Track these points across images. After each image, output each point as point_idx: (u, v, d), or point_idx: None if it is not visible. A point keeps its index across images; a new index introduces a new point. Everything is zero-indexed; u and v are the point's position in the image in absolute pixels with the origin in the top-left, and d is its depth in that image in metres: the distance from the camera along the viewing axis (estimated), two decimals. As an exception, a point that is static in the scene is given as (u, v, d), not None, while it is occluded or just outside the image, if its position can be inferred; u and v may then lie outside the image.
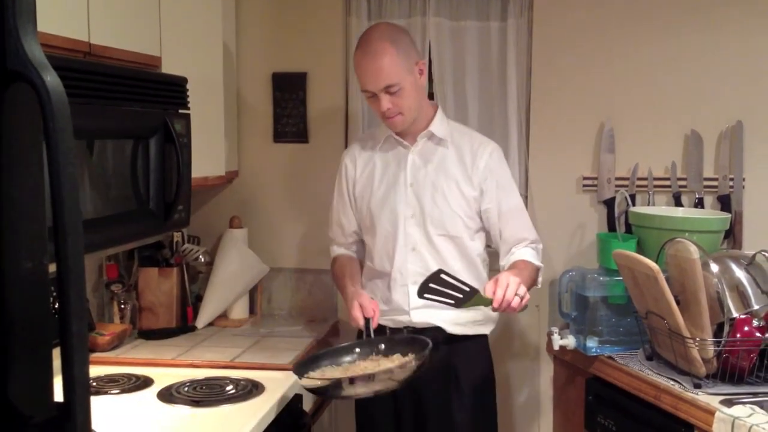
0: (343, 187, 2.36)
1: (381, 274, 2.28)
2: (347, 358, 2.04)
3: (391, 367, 1.87)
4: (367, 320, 2.09)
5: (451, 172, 2.21)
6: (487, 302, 1.94)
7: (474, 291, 1.95)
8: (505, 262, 2.25)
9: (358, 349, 2.06)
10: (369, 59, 2.09)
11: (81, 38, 1.81)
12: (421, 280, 2.19)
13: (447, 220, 2.19)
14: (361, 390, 1.84)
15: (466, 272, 2.21)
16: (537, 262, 2.23)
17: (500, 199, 2.23)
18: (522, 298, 1.95)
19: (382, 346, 2.04)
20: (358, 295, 2.16)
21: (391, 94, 2.10)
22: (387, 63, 2.07)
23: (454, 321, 2.21)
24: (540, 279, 2.26)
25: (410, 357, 1.90)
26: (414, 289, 2.20)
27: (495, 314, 2.32)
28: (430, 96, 2.85)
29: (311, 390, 1.93)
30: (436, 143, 2.24)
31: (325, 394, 1.99)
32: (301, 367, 1.96)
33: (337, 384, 1.83)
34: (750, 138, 2.71)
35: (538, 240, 2.29)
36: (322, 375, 1.94)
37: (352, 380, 1.82)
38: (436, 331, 2.18)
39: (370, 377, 1.83)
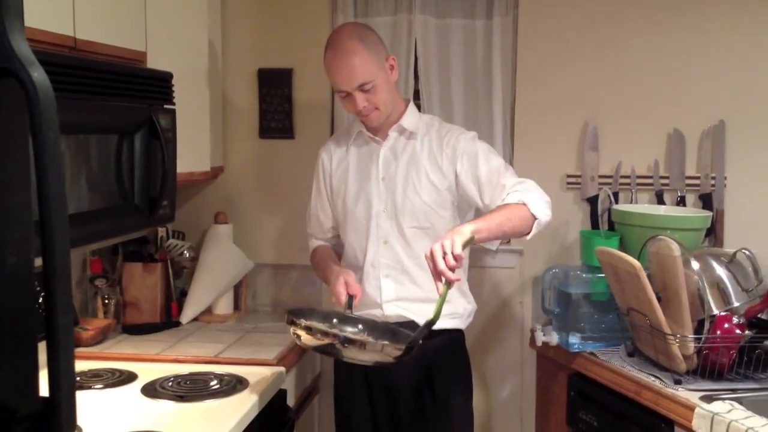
0: (320, 182, 2.36)
1: (354, 268, 2.27)
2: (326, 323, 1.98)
3: (377, 343, 1.84)
4: (350, 298, 2.07)
5: (422, 164, 2.20)
6: (441, 297, 1.81)
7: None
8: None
9: (335, 320, 2.00)
10: (341, 59, 2.09)
11: (66, 33, 1.81)
12: (392, 273, 2.20)
13: (419, 212, 2.19)
14: (351, 353, 1.79)
15: None
16: (518, 200, 2.03)
17: (474, 168, 2.15)
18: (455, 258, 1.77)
19: (360, 326, 2.00)
20: (345, 272, 2.14)
21: (365, 92, 2.10)
22: (359, 62, 2.08)
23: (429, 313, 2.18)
24: (542, 212, 2.03)
25: (388, 342, 1.85)
26: (386, 282, 2.21)
27: (471, 310, 2.33)
28: (416, 94, 2.87)
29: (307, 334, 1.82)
30: (407, 137, 2.24)
31: (326, 350, 1.85)
32: (297, 314, 1.88)
33: (331, 345, 1.77)
34: (732, 137, 2.74)
35: (522, 180, 2.12)
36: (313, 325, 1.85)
37: (346, 341, 1.76)
38: (409, 326, 2.19)
39: (361, 344, 1.78)
